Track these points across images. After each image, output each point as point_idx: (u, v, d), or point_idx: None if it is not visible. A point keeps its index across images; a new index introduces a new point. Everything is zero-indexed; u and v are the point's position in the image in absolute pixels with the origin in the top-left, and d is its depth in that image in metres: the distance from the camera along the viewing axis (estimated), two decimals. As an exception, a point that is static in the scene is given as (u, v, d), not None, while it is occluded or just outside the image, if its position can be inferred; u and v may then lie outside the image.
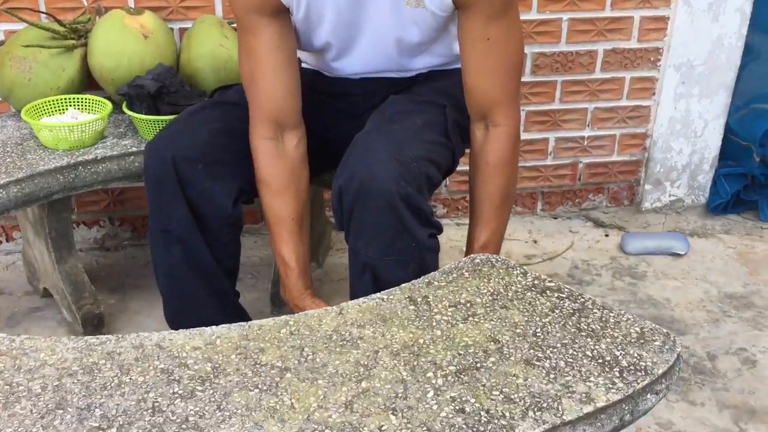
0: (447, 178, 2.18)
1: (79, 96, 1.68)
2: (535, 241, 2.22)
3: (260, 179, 1.35)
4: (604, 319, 1.04)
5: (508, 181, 1.34)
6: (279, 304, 1.84)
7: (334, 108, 1.47)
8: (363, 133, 1.26)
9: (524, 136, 2.21)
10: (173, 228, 1.34)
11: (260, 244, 2.15)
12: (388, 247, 1.18)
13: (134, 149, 1.60)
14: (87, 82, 1.76)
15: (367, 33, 1.33)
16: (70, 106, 1.67)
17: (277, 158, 1.34)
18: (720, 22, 2.08)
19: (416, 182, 1.18)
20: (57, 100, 1.66)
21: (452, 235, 2.15)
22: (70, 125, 1.55)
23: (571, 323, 1.03)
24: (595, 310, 1.06)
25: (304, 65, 1.52)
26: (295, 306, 1.36)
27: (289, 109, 1.33)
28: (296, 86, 1.34)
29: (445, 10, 1.27)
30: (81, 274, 1.70)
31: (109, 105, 1.65)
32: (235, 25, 1.82)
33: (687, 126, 2.23)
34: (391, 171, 1.15)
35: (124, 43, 1.67)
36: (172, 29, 1.85)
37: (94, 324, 1.71)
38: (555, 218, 2.34)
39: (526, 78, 2.12)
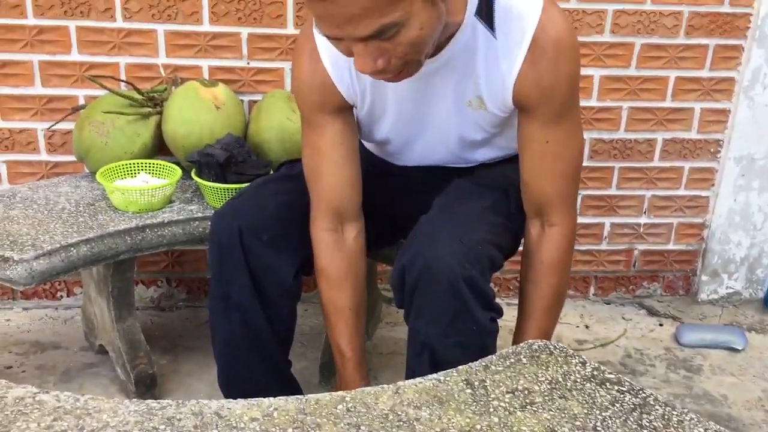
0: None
1: (151, 161, 1.75)
2: (587, 326, 2.19)
3: (319, 270, 1.37)
4: (666, 417, 1.02)
5: (561, 282, 1.33)
6: (327, 375, 1.84)
7: (395, 186, 1.50)
8: (427, 215, 1.28)
9: (579, 219, 2.21)
10: (233, 296, 1.37)
11: (311, 312, 2.17)
12: (449, 329, 1.19)
13: (199, 215, 1.65)
14: (158, 147, 1.83)
15: (428, 132, 1.35)
16: (142, 170, 1.73)
17: (337, 250, 1.36)
18: (782, 117, 2.09)
19: (480, 264, 1.19)
20: (130, 164, 1.73)
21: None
22: (141, 189, 1.61)
23: (632, 419, 1.01)
24: (657, 407, 1.04)
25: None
26: None
27: (350, 201, 1.35)
28: (357, 179, 1.36)
29: (506, 111, 1.28)
30: (138, 334, 1.73)
31: (179, 171, 1.71)
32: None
33: (746, 219, 2.20)
34: (455, 252, 1.17)
35: (197, 113, 1.75)
36: (242, 101, 1.93)
37: (147, 384, 1.73)
38: (608, 304, 2.31)
39: (584, 162, 2.14)
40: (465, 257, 1.17)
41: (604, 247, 2.26)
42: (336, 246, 1.36)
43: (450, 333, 1.19)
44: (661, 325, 2.21)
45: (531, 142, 1.26)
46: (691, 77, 2.06)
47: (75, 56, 1.87)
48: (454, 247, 1.17)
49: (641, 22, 1.99)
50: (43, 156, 1.96)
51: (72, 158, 1.94)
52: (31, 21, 1.83)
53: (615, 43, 2.01)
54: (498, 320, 1.26)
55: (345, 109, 1.31)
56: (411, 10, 1.00)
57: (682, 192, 2.20)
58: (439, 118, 1.31)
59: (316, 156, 1.33)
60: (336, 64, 1.26)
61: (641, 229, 2.24)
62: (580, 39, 1.95)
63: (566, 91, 1.23)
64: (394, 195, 1.50)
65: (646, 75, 2.05)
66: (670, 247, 2.27)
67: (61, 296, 2.12)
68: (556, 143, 1.25)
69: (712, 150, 2.15)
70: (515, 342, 1.36)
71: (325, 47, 1.25)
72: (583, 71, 2.01)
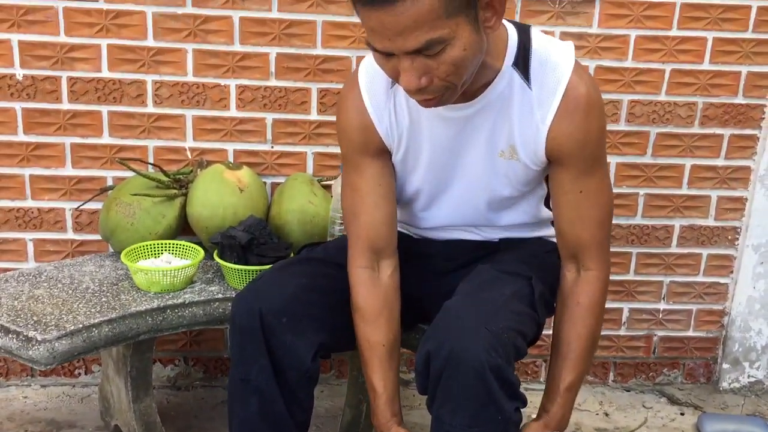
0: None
1: (174, 242, 1.78)
2: (607, 414, 2.16)
3: (355, 307, 1.41)
4: None
5: (597, 324, 1.37)
6: (342, 461, 1.81)
7: (415, 267, 1.51)
8: (452, 301, 1.29)
9: (598, 304, 2.20)
10: (252, 378, 1.37)
11: (326, 394, 2.16)
12: (474, 419, 1.18)
13: (220, 296, 1.67)
14: (182, 227, 1.87)
15: (458, 181, 1.40)
16: (165, 250, 1.76)
17: (372, 287, 1.40)
18: (799, 205, 2.10)
19: (506, 353, 1.19)
20: (154, 244, 1.76)
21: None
22: (164, 270, 1.64)
23: None
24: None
25: None
26: None
27: (386, 238, 1.41)
28: (393, 218, 1.42)
29: (538, 165, 1.34)
30: (154, 414, 1.72)
31: (201, 252, 1.74)
32: (324, 182, 1.95)
33: (766, 307, 2.19)
34: (481, 340, 1.17)
35: (221, 195, 1.79)
36: (265, 183, 1.98)
37: (161, 467, 1.72)
38: (627, 391, 2.27)
39: (601, 248, 2.14)
40: (491, 345, 1.17)
41: (623, 332, 2.24)
42: (372, 283, 1.40)
43: (474, 423, 1.18)
44: (682, 414, 2.17)
45: (565, 192, 1.33)
46: (707, 165, 2.09)
47: (106, 139, 1.94)
48: (480, 335, 1.18)
49: (656, 112, 2.03)
50: (70, 235, 2.00)
51: (97, 237, 1.98)
52: (65, 106, 1.90)
53: (630, 132, 2.05)
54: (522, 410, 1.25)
55: (383, 152, 1.39)
56: (457, 30, 1.09)
57: (700, 278, 2.20)
58: (470, 167, 1.37)
59: (355, 196, 1.41)
60: (377, 108, 1.35)
61: (660, 315, 2.23)
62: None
63: (597, 143, 1.32)
64: (416, 277, 1.51)
65: (662, 163, 2.08)
66: (690, 333, 2.25)
67: (79, 373, 2.12)
68: (590, 192, 1.32)
69: (729, 237, 2.16)
70: (551, 388, 1.36)
71: (367, 93, 1.35)
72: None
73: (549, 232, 1.53)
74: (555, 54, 1.27)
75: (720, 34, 1.97)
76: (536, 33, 1.30)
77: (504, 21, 1.26)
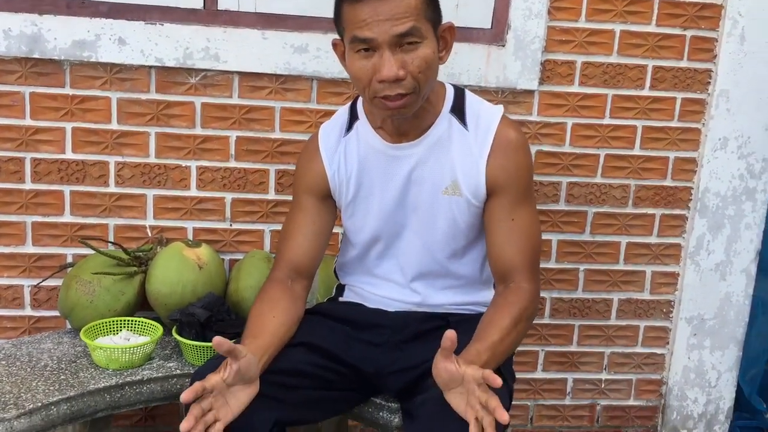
0: None
1: (133, 318, 1.82)
2: (554, 483, 2.22)
3: (260, 297, 1.51)
4: None
5: (520, 317, 1.40)
6: None
7: (365, 340, 1.58)
8: (431, 394, 1.34)
9: (543, 375, 2.29)
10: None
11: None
12: None
13: (178, 372, 1.71)
14: (141, 304, 1.91)
15: (410, 221, 1.54)
16: (124, 327, 1.80)
17: (283, 288, 1.53)
18: (727, 281, 2.24)
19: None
20: (112, 321, 1.80)
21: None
22: (123, 347, 1.68)
23: None
24: None
25: (344, 299, 1.68)
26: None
27: (305, 265, 1.57)
28: (317, 253, 1.58)
29: (479, 200, 1.50)
30: (109, 492, 1.74)
31: (160, 329, 1.78)
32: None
33: (701, 376, 2.31)
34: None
35: (180, 273, 1.84)
36: (223, 260, 2.04)
37: None
38: (573, 460, 2.35)
39: (545, 320, 2.25)
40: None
41: (568, 402, 2.33)
42: (284, 286, 1.53)
43: None
44: (625, 481, 2.25)
45: (499, 220, 1.50)
46: (641, 243, 2.23)
47: (67, 218, 1.99)
48: (465, 426, 1.23)
49: (593, 193, 2.17)
50: (27, 311, 2.03)
51: (54, 313, 2.01)
52: (28, 185, 1.96)
53: (570, 212, 2.18)
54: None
55: (327, 197, 1.58)
56: (428, 34, 1.37)
57: (639, 349, 2.31)
58: (419, 205, 1.52)
59: (291, 226, 1.59)
60: (329, 152, 1.56)
61: (602, 385, 2.33)
62: (538, 208, 2.12)
63: (527, 177, 1.51)
64: (366, 351, 1.56)
65: (599, 240, 2.21)
66: (631, 402, 2.35)
67: (31, 451, 2.11)
68: (521, 220, 1.49)
69: (664, 310, 2.29)
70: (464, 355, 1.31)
71: (322, 141, 1.57)
72: (542, 236, 2.16)
73: None
74: (485, 106, 1.52)
75: (648, 122, 2.14)
76: (469, 92, 1.55)
77: (443, 81, 1.53)
